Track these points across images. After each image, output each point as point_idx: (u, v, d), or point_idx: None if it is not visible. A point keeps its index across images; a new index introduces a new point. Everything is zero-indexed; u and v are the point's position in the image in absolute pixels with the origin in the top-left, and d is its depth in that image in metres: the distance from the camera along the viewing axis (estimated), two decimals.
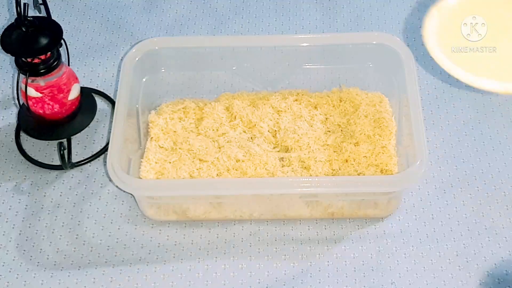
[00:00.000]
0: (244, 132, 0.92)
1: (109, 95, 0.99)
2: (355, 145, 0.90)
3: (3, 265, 0.84)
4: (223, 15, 1.09)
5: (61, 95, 0.90)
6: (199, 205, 0.86)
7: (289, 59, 0.94)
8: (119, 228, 0.87)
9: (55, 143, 0.92)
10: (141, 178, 0.88)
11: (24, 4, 0.83)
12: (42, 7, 0.87)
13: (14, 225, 0.87)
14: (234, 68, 0.96)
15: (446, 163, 0.92)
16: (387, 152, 0.89)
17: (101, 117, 0.97)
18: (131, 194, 0.88)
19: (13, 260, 0.85)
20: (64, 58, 0.91)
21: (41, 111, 0.90)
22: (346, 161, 0.89)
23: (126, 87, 0.88)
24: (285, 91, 0.96)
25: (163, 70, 0.95)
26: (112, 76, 1.02)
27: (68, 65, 0.93)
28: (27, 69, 0.86)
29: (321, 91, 0.96)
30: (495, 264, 0.84)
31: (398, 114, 0.91)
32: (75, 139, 0.94)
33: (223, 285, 0.83)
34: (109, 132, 0.92)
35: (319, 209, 0.87)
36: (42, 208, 0.89)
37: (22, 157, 0.93)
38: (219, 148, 0.90)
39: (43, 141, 0.94)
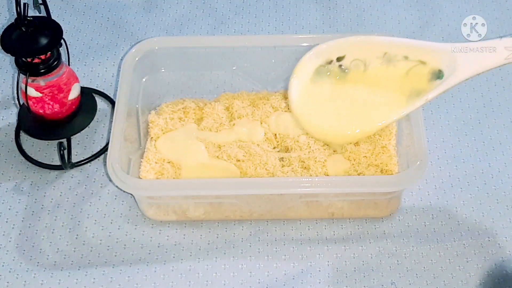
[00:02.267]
0: None
1: (109, 95, 0.99)
2: (355, 145, 0.90)
3: (3, 265, 0.84)
4: (223, 15, 1.09)
5: (61, 94, 0.90)
6: (199, 205, 0.86)
7: (289, 59, 0.94)
8: (119, 228, 0.87)
9: (55, 143, 0.92)
10: (141, 178, 0.88)
11: (24, 4, 0.83)
12: (42, 7, 0.87)
13: (14, 225, 0.87)
14: (234, 68, 0.96)
15: (446, 163, 0.92)
16: (387, 152, 0.89)
17: (101, 117, 0.97)
18: (131, 194, 0.88)
19: (13, 260, 0.85)
20: (64, 58, 0.91)
21: (41, 111, 0.90)
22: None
23: (126, 87, 0.88)
24: (285, 91, 0.95)
25: (163, 70, 0.95)
26: (112, 76, 1.02)
27: (68, 64, 0.93)
28: (27, 69, 0.86)
29: None
30: (495, 264, 0.84)
31: None
32: (75, 139, 0.94)
33: (223, 285, 0.83)
34: (109, 132, 0.92)
35: (319, 209, 0.87)
36: (42, 208, 0.89)
37: (22, 157, 0.93)
38: (219, 147, 0.90)
39: (43, 141, 0.94)
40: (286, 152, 0.90)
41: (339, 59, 0.76)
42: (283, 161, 0.89)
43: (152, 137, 0.92)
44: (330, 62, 0.76)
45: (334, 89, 0.77)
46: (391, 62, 0.74)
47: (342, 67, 0.76)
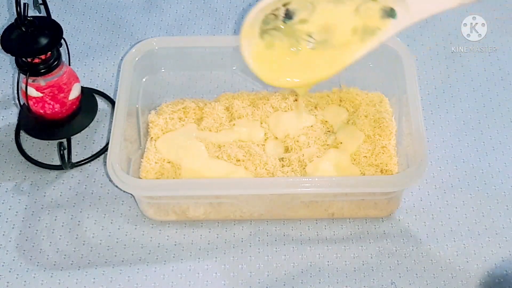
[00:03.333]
0: None
1: (109, 95, 0.99)
2: None
3: (3, 265, 0.84)
4: (223, 15, 1.09)
5: (62, 94, 0.90)
6: (199, 205, 0.86)
7: None
8: (119, 228, 0.87)
9: (55, 143, 0.92)
10: (141, 178, 0.88)
11: (24, 4, 0.83)
12: (42, 7, 0.87)
13: (14, 225, 0.87)
14: (234, 68, 0.96)
15: (446, 163, 0.92)
16: (387, 152, 0.89)
17: (101, 117, 0.97)
18: (131, 194, 0.88)
19: (13, 260, 0.85)
20: (64, 57, 0.91)
21: (41, 111, 0.90)
22: None
23: (126, 87, 0.88)
24: (285, 91, 0.95)
25: (163, 70, 0.95)
26: (112, 76, 1.02)
27: (69, 64, 0.93)
28: (27, 69, 0.86)
29: (321, 91, 0.96)
30: (495, 264, 0.84)
31: (398, 114, 0.91)
32: (75, 139, 0.94)
33: (223, 285, 0.83)
34: (109, 132, 0.92)
35: (319, 209, 0.87)
36: (42, 208, 0.89)
37: (22, 157, 0.93)
38: (219, 147, 0.90)
39: (43, 141, 0.94)
40: (286, 152, 0.90)
41: (285, 4, 0.73)
42: (283, 161, 0.89)
43: (152, 137, 0.92)
44: (277, 9, 0.74)
45: (286, 37, 0.75)
46: (339, 0, 0.72)
47: (290, 10, 0.73)
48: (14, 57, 0.87)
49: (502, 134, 0.95)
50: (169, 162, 0.89)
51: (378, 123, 0.91)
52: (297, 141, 0.90)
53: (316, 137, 0.91)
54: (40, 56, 0.85)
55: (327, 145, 0.90)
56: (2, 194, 0.90)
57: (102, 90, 0.99)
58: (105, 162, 0.87)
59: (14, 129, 0.96)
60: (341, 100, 0.95)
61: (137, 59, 0.91)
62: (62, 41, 0.88)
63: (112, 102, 0.98)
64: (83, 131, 0.94)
